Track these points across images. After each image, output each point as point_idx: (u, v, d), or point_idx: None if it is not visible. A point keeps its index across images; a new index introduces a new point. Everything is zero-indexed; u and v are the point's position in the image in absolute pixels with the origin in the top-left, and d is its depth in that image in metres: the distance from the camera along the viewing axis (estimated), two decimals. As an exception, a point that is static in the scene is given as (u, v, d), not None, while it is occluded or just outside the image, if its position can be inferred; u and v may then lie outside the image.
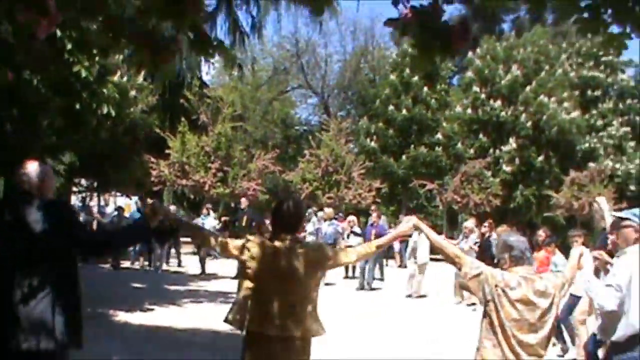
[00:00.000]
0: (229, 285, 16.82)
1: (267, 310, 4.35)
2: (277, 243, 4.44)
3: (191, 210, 27.12)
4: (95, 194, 27.52)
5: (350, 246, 16.48)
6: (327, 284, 17.48)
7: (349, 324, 11.96)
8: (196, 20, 4.72)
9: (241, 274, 4.61)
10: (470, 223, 15.96)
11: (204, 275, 18.88)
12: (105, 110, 11.06)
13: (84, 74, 9.95)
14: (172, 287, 15.93)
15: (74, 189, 22.64)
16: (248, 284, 4.53)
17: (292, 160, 37.91)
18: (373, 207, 21.75)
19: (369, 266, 17.69)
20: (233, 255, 4.54)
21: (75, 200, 26.08)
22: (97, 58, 9.46)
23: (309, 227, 20.58)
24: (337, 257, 4.68)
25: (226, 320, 4.66)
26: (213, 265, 19.97)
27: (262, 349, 4.38)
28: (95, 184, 23.03)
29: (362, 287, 17.55)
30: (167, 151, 25.63)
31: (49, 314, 3.87)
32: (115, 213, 22.13)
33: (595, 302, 5.15)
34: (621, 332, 5.02)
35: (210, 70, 36.56)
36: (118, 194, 23.47)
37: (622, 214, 5.46)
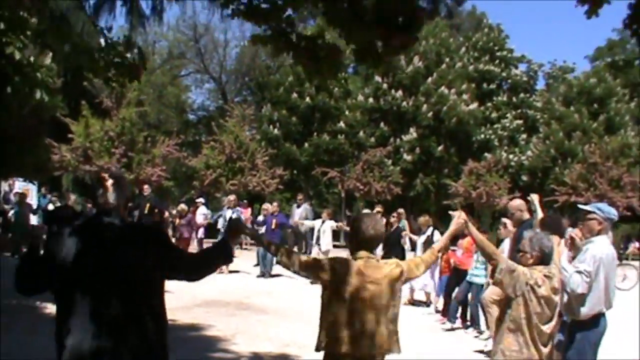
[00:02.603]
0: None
1: (349, 330, 4.26)
2: (359, 262, 4.34)
3: (92, 197, 26.16)
4: (-2, 180, 26.24)
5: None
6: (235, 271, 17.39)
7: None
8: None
9: (324, 294, 4.44)
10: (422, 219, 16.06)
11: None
12: (38, 95, 10.46)
13: (17, 56, 9.41)
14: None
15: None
16: (329, 304, 4.38)
17: (190, 146, 37.29)
18: (266, 206, 21.42)
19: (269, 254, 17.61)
20: (318, 276, 4.42)
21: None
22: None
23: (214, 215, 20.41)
24: (411, 271, 4.62)
25: (318, 349, 4.49)
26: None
27: None
28: (-3, 169, 21.89)
29: (262, 275, 17.37)
30: (69, 135, 24.68)
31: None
32: (16, 200, 21.01)
33: (567, 286, 5.62)
34: (587, 311, 5.78)
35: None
36: (20, 179, 22.29)
37: (587, 208, 6.13)
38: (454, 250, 11.93)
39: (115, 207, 3.71)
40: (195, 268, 3.97)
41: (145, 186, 20.63)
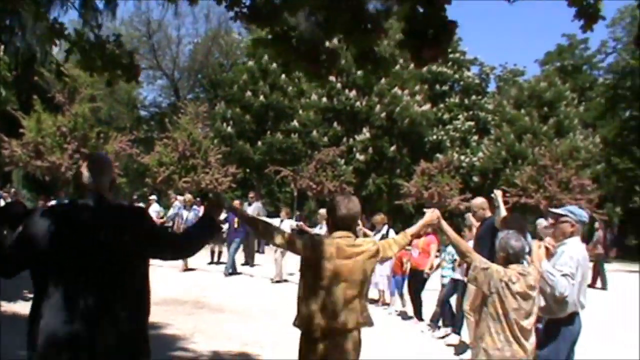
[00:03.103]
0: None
1: (328, 306, 4.46)
2: (338, 240, 4.57)
3: (44, 193, 25.79)
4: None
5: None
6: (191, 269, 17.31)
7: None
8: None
9: (304, 273, 4.60)
10: (323, 211, 16.13)
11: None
12: (-6, 89, 10.26)
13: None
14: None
15: None
16: (309, 280, 4.57)
17: (142, 143, 36.92)
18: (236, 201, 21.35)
19: (231, 251, 17.63)
20: (299, 251, 4.61)
21: None
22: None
23: (170, 212, 20.24)
24: (385, 250, 4.84)
25: (295, 324, 4.62)
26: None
27: (321, 343, 4.48)
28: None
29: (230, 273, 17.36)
30: (20, 130, 24.25)
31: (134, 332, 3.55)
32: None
33: (556, 290, 5.58)
34: (566, 311, 5.84)
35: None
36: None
37: (560, 211, 6.20)
38: (408, 250, 12.01)
39: (92, 189, 3.63)
40: (181, 246, 3.93)
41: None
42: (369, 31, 5.71)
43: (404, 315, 12.48)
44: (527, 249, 5.53)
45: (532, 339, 5.18)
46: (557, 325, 5.93)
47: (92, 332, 3.34)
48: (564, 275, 5.66)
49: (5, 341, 7.56)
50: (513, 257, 5.21)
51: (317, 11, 5.85)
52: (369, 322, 4.67)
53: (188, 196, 19.82)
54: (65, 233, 3.43)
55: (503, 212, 7.84)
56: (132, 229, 3.57)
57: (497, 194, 8.09)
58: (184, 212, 18.94)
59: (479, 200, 9.01)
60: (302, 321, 4.54)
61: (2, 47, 14.00)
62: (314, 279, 4.52)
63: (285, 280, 16.51)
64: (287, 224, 16.47)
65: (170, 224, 18.95)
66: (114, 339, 3.40)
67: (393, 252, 4.99)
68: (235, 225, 17.72)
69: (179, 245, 3.94)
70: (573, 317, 5.95)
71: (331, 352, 4.48)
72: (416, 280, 11.83)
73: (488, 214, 8.61)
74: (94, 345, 3.34)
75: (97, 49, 6.55)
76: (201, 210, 19.64)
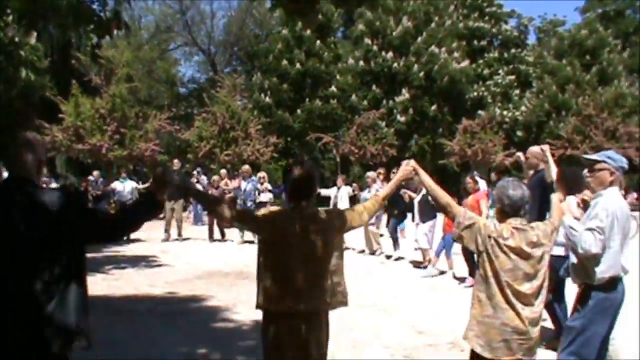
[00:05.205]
0: (145, 249, 16.41)
1: (290, 285, 4.08)
2: (294, 212, 4.17)
3: (86, 175, 26.07)
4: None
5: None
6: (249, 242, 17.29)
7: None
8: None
9: (261, 250, 4.26)
10: (371, 173, 15.94)
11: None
12: (23, 74, 10.30)
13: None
14: (89, 255, 15.25)
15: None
16: (267, 259, 4.20)
17: (182, 119, 37.12)
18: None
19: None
20: (251, 226, 4.39)
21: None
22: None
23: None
24: (353, 219, 4.43)
25: (258, 307, 4.31)
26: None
27: (285, 325, 4.11)
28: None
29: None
30: (60, 115, 24.51)
31: (71, 311, 3.43)
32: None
33: (578, 247, 4.93)
34: (602, 274, 5.02)
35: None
36: (5, 166, 22.22)
37: (596, 157, 5.37)
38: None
39: (23, 172, 3.51)
40: (117, 225, 3.76)
41: (175, 160, 20.51)
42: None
43: (451, 276, 12.30)
44: (551, 201, 4.92)
45: (537, 306, 4.31)
46: (591, 291, 5.09)
47: (20, 322, 3.29)
48: (589, 229, 4.90)
49: None
50: (509, 209, 4.37)
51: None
52: (340, 303, 4.26)
53: (245, 167, 19.78)
54: None
55: (553, 166, 7.49)
56: (65, 211, 3.43)
57: (545, 148, 7.78)
58: (242, 184, 18.88)
59: (535, 149, 8.62)
60: (264, 303, 4.13)
61: (35, 34, 14.06)
62: (276, 258, 4.13)
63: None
64: (344, 191, 16.24)
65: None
66: (37, 326, 3.32)
67: (364, 219, 4.52)
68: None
69: (115, 224, 3.78)
70: (613, 282, 5.07)
71: (297, 334, 4.10)
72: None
73: (542, 165, 8.29)
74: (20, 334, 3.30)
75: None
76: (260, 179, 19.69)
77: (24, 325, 3.29)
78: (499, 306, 4.20)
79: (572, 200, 5.96)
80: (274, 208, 4.39)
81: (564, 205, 4.96)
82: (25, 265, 3.29)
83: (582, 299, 5.16)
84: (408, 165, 4.73)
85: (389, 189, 4.83)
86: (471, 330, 4.36)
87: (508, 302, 4.18)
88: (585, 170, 5.68)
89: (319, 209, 4.30)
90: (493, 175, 20.23)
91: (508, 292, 4.18)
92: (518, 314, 4.18)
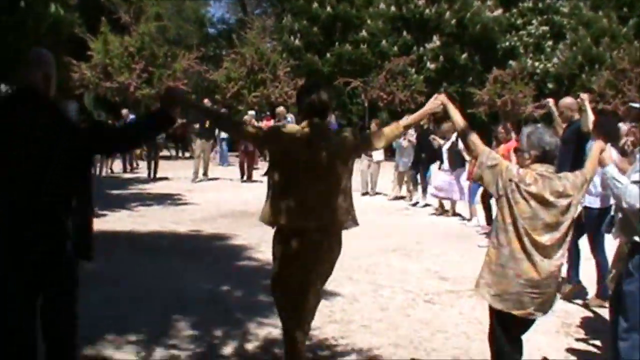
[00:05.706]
0: (170, 187, 16.53)
1: (301, 202, 4.07)
2: (307, 129, 4.14)
3: (114, 113, 26.18)
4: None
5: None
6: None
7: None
8: None
9: (271, 166, 4.27)
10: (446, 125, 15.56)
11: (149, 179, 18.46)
12: (52, 9, 10.24)
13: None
14: (115, 192, 15.46)
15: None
16: (278, 176, 4.16)
17: (211, 60, 37.00)
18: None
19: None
20: (260, 141, 4.37)
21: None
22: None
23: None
24: (369, 141, 4.51)
25: (263, 220, 4.33)
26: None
27: (296, 242, 4.13)
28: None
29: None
30: (88, 53, 24.55)
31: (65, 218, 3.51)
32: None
33: (623, 201, 4.38)
34: None
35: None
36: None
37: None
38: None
39: (31, 87, 3.55)
40: (127, 136, 3.88)
41: (205, 100, 20.67)
42: None
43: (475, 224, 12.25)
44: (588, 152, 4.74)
45: (557, 259, 4.10)
46: None
47: (34, 233, 3.38)
48: (635, 182, 4.35)
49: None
50: (549, 155, 4.15)
51: None
52: (351, 222, 4.30)
53: (280, 108, 19.90)
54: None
55: (591, 116, 7.31)
56: (64, 124, 3.51)
57: (585, 97, 7.58)
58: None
59: (568, 100, 8.44)
60: (274, 220, 4.20)
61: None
62: (285, 175, 4.14)
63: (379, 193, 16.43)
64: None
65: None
66: (48, 238, 3.45)
67: (380, 144, 4.54)
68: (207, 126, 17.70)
69: (125, 135, 3.89)
70: None
71: (307, 249, 4.13)
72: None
73: (576, 116, 8.08)
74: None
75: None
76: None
77: (33, 228, 3.39)
78: (514, 255, 4.03)
79: (613, 150, 5.58)
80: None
81: (605, 155, 4.56)
82: (33, 170, 3.38)
83: (633, 260, 4.46)
84: (437, 99, 4.71)
85: (412, 119, 4.93)
86: (482, 278, 4.23)
87: (525, 251, 4.01)
88: (620, 124, 5.48)
89: (330, 128, 4.39)
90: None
91: (526, 240, 4.00)
92: (534, 265, 4.01)
